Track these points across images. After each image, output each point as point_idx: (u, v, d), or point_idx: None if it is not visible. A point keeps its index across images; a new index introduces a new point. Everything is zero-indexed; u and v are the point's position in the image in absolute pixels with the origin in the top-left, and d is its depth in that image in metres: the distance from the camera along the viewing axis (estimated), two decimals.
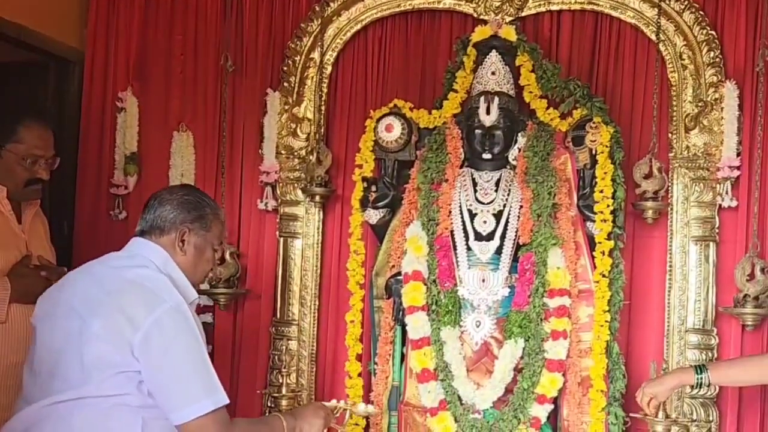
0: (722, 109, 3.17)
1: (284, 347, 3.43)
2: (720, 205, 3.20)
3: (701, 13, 3.21)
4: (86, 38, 3.65)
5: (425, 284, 3.00)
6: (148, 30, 3.62)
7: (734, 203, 3.19)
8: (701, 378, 2.60)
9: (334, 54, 3.44)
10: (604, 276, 3.02)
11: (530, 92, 3.18)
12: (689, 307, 3.21)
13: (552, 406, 2.95)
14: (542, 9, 3.32)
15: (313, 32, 3.42)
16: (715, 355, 3.18)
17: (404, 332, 3.08)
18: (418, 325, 2.98)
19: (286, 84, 3.45)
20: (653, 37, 3.23)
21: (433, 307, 2.98)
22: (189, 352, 2.05)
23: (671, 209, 3.23)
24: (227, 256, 3.43)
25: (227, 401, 2.08)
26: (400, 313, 3.05)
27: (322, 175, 3.32)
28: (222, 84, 3.50)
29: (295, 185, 3.44)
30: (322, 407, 2.43)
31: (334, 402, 2.52)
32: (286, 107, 3.44)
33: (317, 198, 3.36)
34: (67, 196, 3.65)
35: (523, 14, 3.32)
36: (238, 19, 3.50)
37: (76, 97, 3.66)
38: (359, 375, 3.27)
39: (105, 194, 3.62)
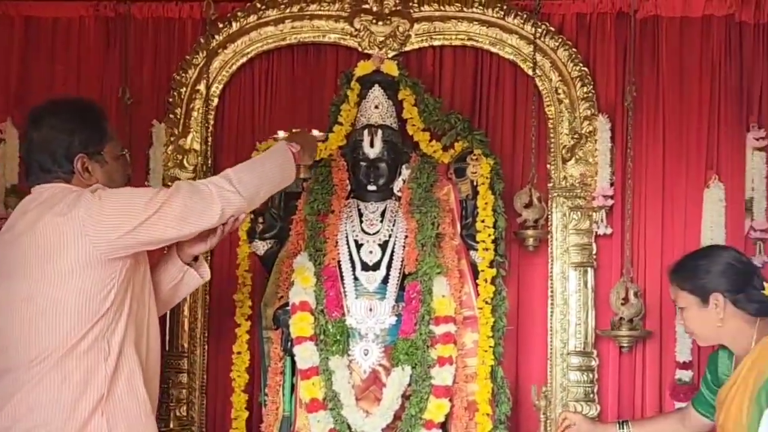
0: (596, 141, 3.31)
1: (174, 380, 3.38)
2: (596, 232, 3.34)
3: (574, 50, 3.36)
4: None
5: (313, 314, 3.02)
6: (29, 59, 3.54)
7: (609, 231, 3.33)
8: None
9: (221, 86, 3.45)
10: (487, 303, 3.10)
11: (413, 125, 3.26)
12: (570, 331, 3.33)
13: (439, 431, 3.01)
14: (425, 44, 3.42)
15: (199, 64, 3.42)
16: (596, 377, 3.31)
17: (294, 363, 3.08)
18: (306, 355, 3.00)
19: (171, 115, 3.43)
20: (530, 72, 3.36)
21: (321, 336, 3.00)
22: None
23: (551, 237, 3.34)
24: None
25: None
26: (289, 343, 3.06)
27: None
28: (120, 116, 3.41)
29: None
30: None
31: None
32: (172, 139, 3.42)
33: None
34: None
35: (407, 49, 3.40)
36: (122, 49, 3.47)
37: None
38: (246, 407, 3.25)
39: None
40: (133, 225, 2.17)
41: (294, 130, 2.79)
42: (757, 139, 3.28)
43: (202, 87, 3.42)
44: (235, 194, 2.29)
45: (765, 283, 2.45)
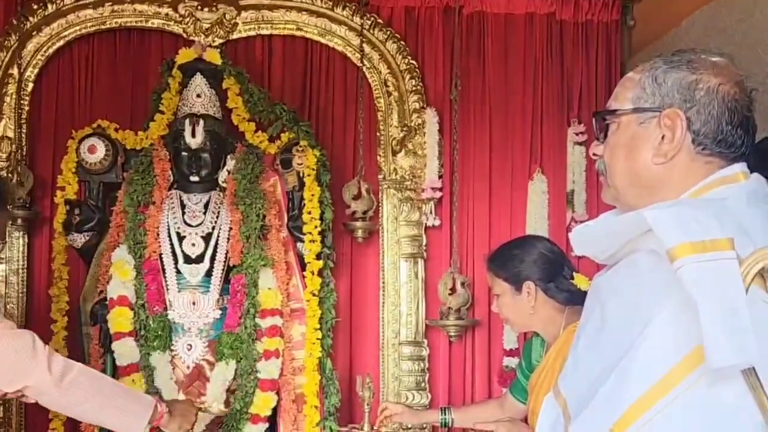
0: (425, 133, 3.35)
1: None
2: (426, 224, 3.38)
3: (403, 43, 3.38)
4: None
5: (132, 309, 2.93)
6: None
7: (438, 222, 3.38)
8: (444, 419, 2.80)
9: (36, 71, 3.27)
10: (314, 295, 3.11)
11: (238, 115, 3.21)
12: (402, 321, 3.36)
13: (266, 425, 2.99)
14: (253, 33, 3.36)
15: (11, 47, 3.23)
16: (427, 365, 3.36)
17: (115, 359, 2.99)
18: (125, 351, 2.91)
19: None
20: (359, 63, 3.36)
21: (142, 332, 2.92)
22: None
23: (382, 228, 3.36)
24: None
25: None
26: (108, 340, 2.96)
27: (24, 197, 3.15)
28: None
29: None
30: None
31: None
32: None
33: (19, 221, 3.17)
34: None
35: (234, 37, 3.34)
36: None
37: None
38: None
39: None
40: None
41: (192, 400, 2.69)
42: (577, 134, 3.41)
43: (15, 71, 3.23)
44: (55, 386, 2.15)
45: (575, 273, 2.54)
